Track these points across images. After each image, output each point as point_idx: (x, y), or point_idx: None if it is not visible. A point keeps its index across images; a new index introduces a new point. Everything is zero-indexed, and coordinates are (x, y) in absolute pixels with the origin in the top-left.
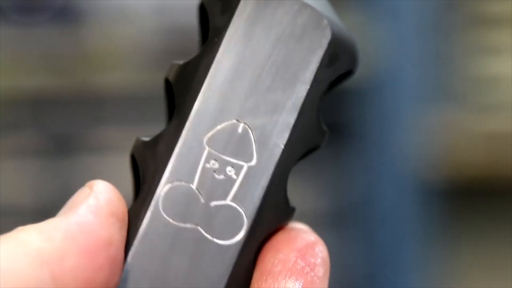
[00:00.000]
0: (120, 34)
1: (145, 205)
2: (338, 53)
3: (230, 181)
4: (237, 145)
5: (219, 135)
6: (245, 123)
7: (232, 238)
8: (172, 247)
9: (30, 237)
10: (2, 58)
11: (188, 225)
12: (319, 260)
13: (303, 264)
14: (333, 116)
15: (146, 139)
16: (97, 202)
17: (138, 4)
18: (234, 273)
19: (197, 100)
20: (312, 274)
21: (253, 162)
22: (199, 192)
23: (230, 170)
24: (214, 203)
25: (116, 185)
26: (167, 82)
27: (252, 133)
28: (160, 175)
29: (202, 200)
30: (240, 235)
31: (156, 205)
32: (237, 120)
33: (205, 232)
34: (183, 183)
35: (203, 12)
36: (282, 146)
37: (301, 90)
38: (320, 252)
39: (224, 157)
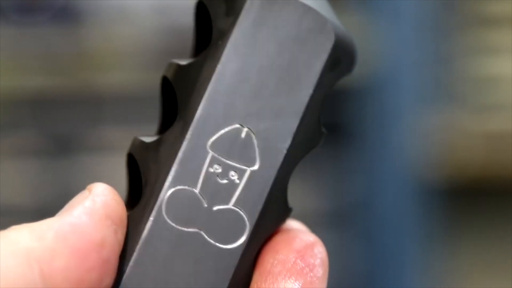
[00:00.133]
0: (120, 34)
1: (148, 209)
2: (340, 57)
3: (233, 186)
4: (240, 150)
5: (223, 140)
6: (248, 128)
7: (234, 242)
8: (175, 251)
9: (21, 236)
10: (2, 58)
11: (191, 230)
12: (318, 261)
13: (303, 265)
14: (333, 116)
15: (146, 139)
16: (93, 204)
17: (138, 4)
18: (235, 277)
19: (201, 104)
20: (311, 274)
21: (256, 167)
22: (202, 197)
23: (233, 175)
24: (217, 208)
25: (115, 185)
26: (165, 80)
27: (255, 138)
28: (163, 179)
29: (205, 205)
30: (242, 239)
31: (159, 209)
32: (241, 125)
33: (208, 236)
34: (186, 187)
35: (201, 10)
36: (285, 151)
37: (305, 94)
38: (319, 252)
39: (227, 161)
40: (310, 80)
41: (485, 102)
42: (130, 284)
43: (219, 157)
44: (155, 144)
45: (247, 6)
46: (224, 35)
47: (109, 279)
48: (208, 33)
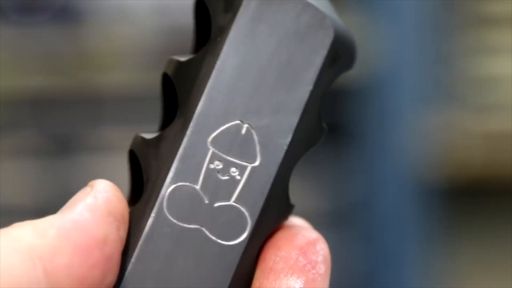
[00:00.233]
0: (120, 34)
1: (149, 206)
2: (340, 52)
3: (234, 182)
4: (241, 146)
5: (223, 136)
6: (249, 124)
7: (235, 238)
8: (176, 247)
9: (23, 233)
10: (2, 58)
11: (192, 226)
12: (320, 258)
13: (305, 262)
14: (333, 116)
15: (147, 136)
16: (95, 200)
17: (138, 4)
18: (237, 273)
19: (201, 100)
20: (313, 271)
21: (257, 163)
22: (203, 193)
23: (234, 171)
24: (218, 204)
25: (116, 184)
26: (165, 77)
27: (256, 134)
28: (164, 176)
29: (206, 201)
30: (244, 236)
31: (160, 206)
32: (241, 121)
33: (209, 232)
34: (187, 183)
35: (200, 7)
36: (286, 147)
37: (305, 90)
38: (321, 249)
39: (228, 157)
40: (309, 76)
41: (485, 102)
42: (132, 281)
43: (220, 153)
44: (156, 140)
45: (245, 2)
46: (223, 31)
47: (112, 276)
48: (208, 30)
